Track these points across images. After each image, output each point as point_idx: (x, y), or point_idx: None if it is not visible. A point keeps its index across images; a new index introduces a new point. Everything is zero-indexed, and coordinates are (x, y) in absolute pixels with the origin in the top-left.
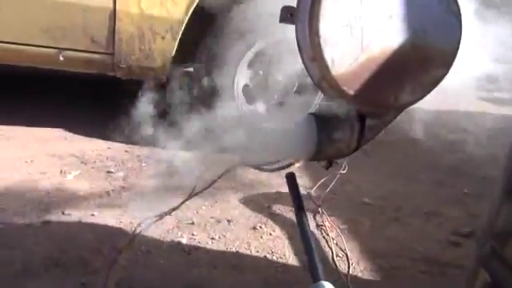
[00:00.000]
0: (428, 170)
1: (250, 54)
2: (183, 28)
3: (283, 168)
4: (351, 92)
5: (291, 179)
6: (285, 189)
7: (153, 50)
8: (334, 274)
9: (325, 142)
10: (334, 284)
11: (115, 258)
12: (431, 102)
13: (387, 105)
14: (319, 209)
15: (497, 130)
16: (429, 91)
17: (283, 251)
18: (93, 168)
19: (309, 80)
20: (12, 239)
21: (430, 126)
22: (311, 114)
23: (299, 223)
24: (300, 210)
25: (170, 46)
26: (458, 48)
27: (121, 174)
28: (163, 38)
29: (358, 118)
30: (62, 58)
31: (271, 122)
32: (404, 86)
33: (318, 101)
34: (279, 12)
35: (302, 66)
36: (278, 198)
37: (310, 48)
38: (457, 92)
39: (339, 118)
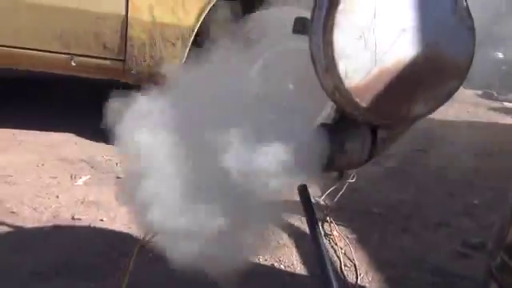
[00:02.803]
0: (437, 180)
1: (259, 63)
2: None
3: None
4: (364, 104)
5: (303, 192)
6: (292, 197)
7: (164, 56)
8: (341, 285)
9: (336, 153)
10: None
11: (127, 264)
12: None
13: (400, 117)
14: (327, 218)
15: (507, 141)
16: (442, 103)
17: (291, 260)
18: (102, 173)
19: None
20: (22, 243)
21: (439, 135)
22: (323, 124)
23: (313, 238)
24: (313, 223)
25: (180, 53)
26: (471, 60)
27: None
28: (174, 45)
29: (369, 130)
30: (74, 64)
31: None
32: (417, 98)
33: (328, 111)
34: (292, 23)
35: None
36: (285, 205)
37: (324, 60)
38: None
39: (351, 130)
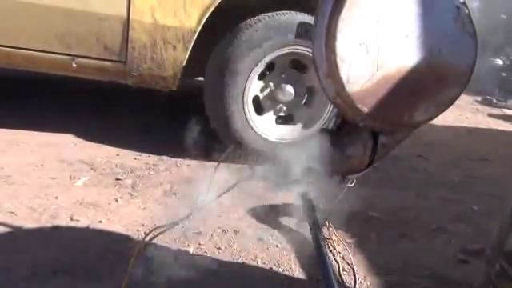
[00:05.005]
0: (436, 185)
1: (260, 66)
2: (195, 38)
3: (294, 182)
4: (365, 109)
5: (305, 198)
6: (291, 200)
7: (164, 59)
8: None
9: (338, 158)
10: None
11: (127, 264)
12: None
13: (401, 123)
14: (326, 222)
15: (506, 147)
16: (443, 110)
17: (289, 263)
18: (102, 175)
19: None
20: (21, 243)
21: (438, 141)
22: (324, 129)
23: (316, 244)
24: (316, 229)
25: (181, 56)
26: (472, 67)
27: (129, 181)
28: (175, 47)
29: (371, 135)
30: (74, 65)
31: (285, 136)
32: (418, 105)
33: (328, 115)
34: (295, 28)
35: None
36: (284, 209)
37: (326, 65)
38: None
39: (352, 135)
